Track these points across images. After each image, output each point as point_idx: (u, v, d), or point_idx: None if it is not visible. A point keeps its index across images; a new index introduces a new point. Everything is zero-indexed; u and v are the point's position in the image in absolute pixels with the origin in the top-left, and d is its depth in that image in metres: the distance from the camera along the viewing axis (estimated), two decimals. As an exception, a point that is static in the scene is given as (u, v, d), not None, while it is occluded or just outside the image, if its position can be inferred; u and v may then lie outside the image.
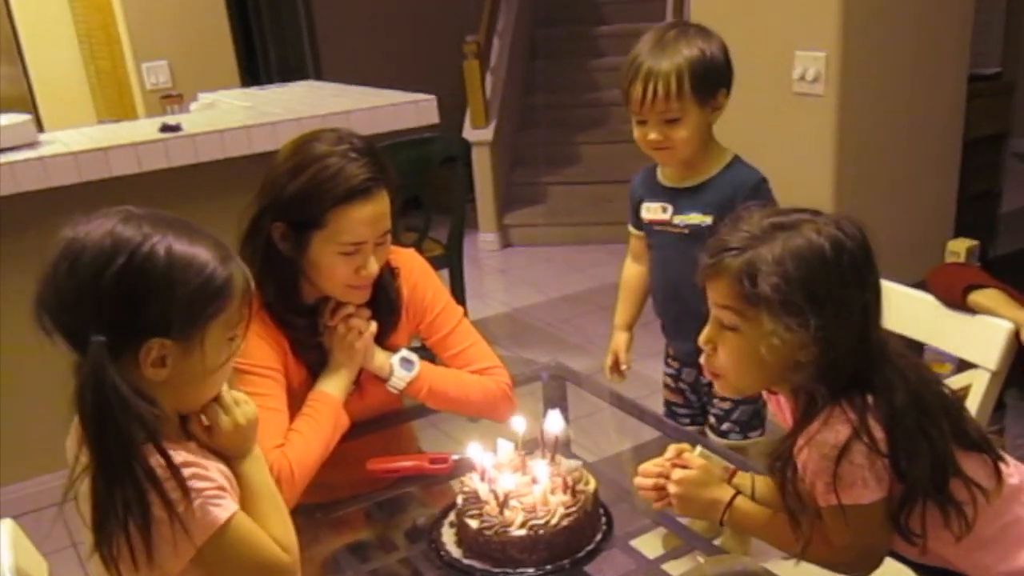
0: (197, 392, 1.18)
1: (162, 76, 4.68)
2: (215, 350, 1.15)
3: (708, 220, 1.90)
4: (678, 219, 1.95)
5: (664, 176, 2.00)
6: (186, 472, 1.11)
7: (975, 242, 2.46)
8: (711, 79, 1.84)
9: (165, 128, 3.00)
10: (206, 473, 1.14)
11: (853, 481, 1.23)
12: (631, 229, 2.13)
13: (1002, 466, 1.32)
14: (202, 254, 1.12)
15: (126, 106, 4.87)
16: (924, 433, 1.24)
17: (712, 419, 2.08)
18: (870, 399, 1.23)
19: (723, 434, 2.05)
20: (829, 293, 1.21)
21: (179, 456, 1.12)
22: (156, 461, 1.09)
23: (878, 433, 1.22)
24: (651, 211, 2.01)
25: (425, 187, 3.38)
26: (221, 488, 1.16)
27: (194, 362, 1.14)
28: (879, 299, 1.27)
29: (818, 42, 2.94)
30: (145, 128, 3.14)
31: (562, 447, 1.52)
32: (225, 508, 1.14)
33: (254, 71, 6.07)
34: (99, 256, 1.07)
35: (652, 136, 1.87)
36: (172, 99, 4.04)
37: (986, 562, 1.32)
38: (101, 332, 1.06)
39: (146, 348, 1.10)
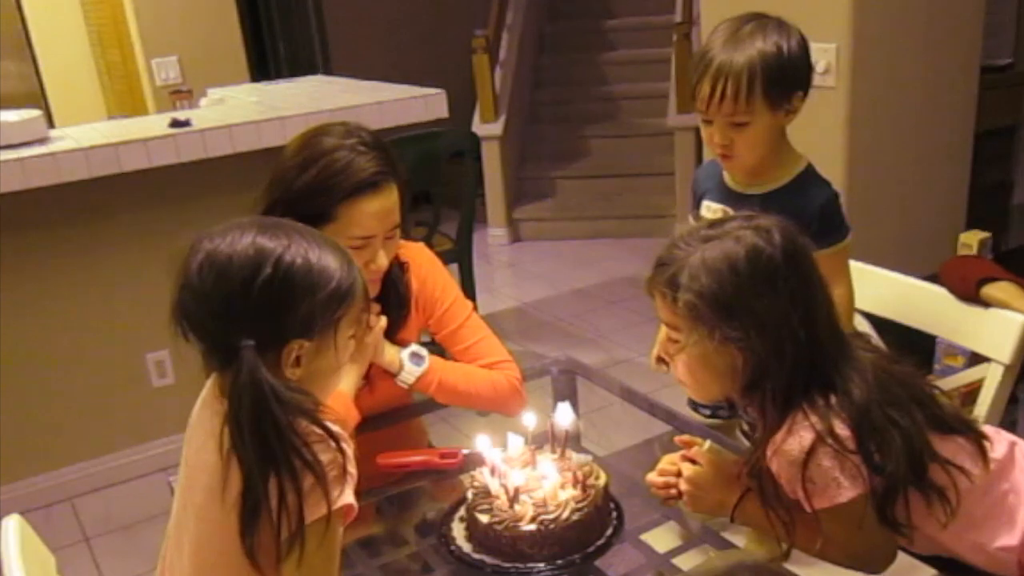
0: (322, 389, 1.23)
1: (172, 72, 4.68)
2: (344, 347, 1.22)
3: None
4: None
5: (731, 177, 1.86)
6: (342, 442, 1.15)
7: (987, 234, 2.44)
8: (786, 81, 1.69)
9: (175, 123, 3.01)
10: (349, 452, 1.17)
11: (826, 484, 1.23)
12: (692, 220, 1.94)
13: (986, 444, 1.32)
14: (333, 258, 1.18)
15: (136, 102, 4.88)
16: (894, 424, 1.24)
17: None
18: (833, 399, 1.24)
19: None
20: (740, 303, 1.21)
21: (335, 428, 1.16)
22: (312, 431, 1.13)
23: (843, 432, 1.22)
24: (712, 211, 1.88)
25: (434, 182, 3.38)
26: (353, 477, 1.18)
27: (325, 360, 1.20)
28: (815, 303, 1.25)
29: (829, 34, 2.92)
30: (155, 123, 3.14)
31: (572, 441, 1.51)
32: (350, 496, 1.16)
33: (264, 66, 6.07)
34: (246, 266, 1.11)
35: (716, 139, 1.74)
36: (182, 95, 4.04)
37: (980, 541, 1.32)
38: (250, 337, 1.11)
39: (288, 349, 1.15)
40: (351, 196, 1.56)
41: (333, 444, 1.13)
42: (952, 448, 1.29)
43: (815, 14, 2.95)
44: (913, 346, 2.13)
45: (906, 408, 1.26)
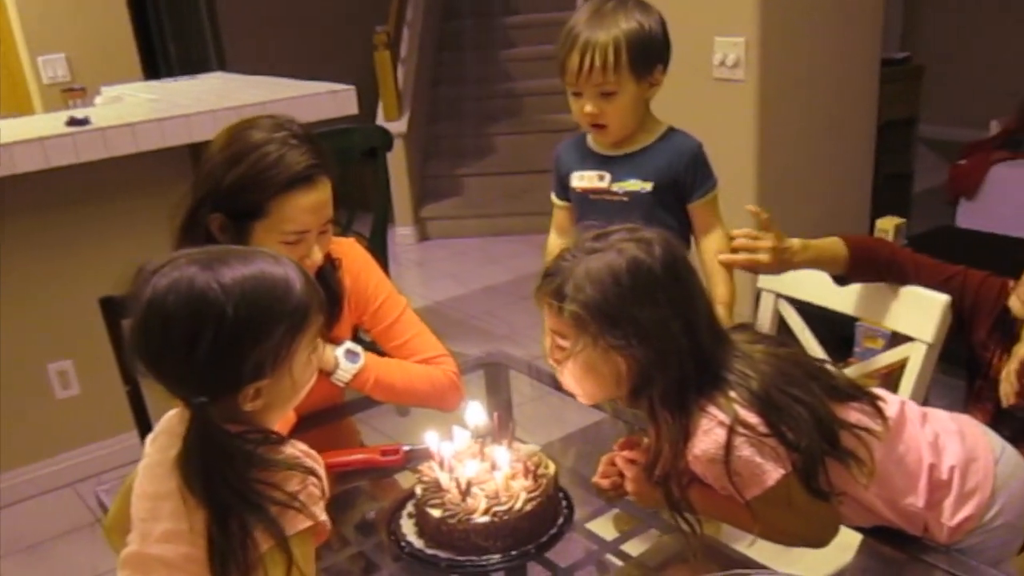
0: (288, 405, 1.22)
1: (60, 69, 4.50)
2: (301, 369, 1.18)
3: (648, 187, 1.87)
4: (616, 187, 1.90)
5: (597, 144, 1.95)
6: (307, 463, 1.14)
7: (903, 220, 2.53)
8: (649, 54, 1.81)
9: (72, 122, 2.87)
10: (319, 471, 1.16)
11: (751, 472, 1.26)
12: (555, 200, 2.07)
13: (880, 404, 1.38)
14: (279, 285, 1.13)
15: (20, 100, 4.65)
16: (797, 401, 1.29)
17: None
18: (732, 394, 1.28)
19: None
20: (623, 312, 1.25)
21: (296, 448, 1.16)
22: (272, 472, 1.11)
23: (752, 419, 1.26)
24: (586, 179, 1.95)
25: (347, 179, 3.31)
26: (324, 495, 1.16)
27: (285, 386, 1.17)
28: (695, 311, 1.29)
29: (737, 27, 2.98)
30: (50, 122, 2.99)
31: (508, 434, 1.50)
32: (320, 514, 1.14)
33: (153, 65, 5.87)
34: (188, 329, 1.06)
35: (588, 109, 1.83)
36: (75, 92, 3.88)
37: (892, 497, 1.38)
38: (201, 394, 1.09)
39: (244, 393, 1.12)
40: (284, 191, 1.52)
41: (298, 474, 1.12)
42: (854, 414, 1.35)
43: (724, 8, 3.02)
44: (834, 329, 2.19)
45: (803, 384, 1.31)
